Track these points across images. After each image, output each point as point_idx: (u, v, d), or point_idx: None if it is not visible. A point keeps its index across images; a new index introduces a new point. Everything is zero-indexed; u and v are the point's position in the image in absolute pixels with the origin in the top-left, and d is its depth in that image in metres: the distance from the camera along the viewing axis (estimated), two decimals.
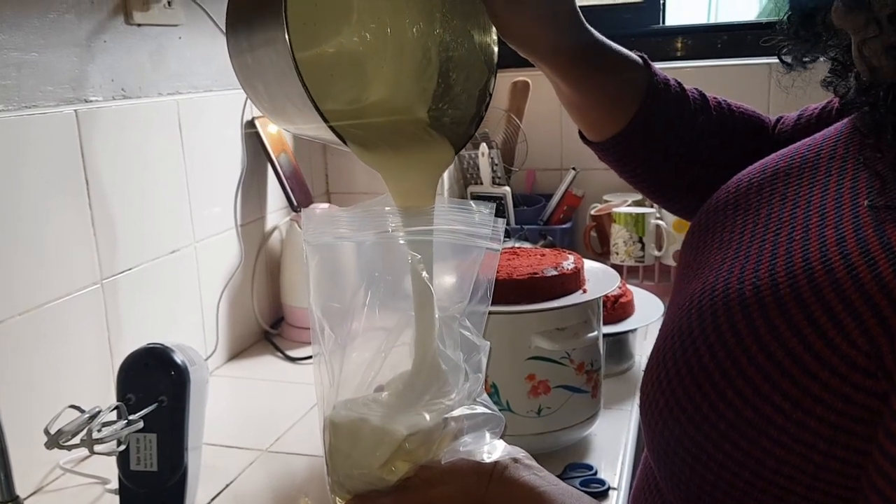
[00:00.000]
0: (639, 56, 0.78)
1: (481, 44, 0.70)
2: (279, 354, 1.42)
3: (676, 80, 0.80)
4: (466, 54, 0.70)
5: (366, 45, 0.68)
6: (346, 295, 0.64)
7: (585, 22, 0.74)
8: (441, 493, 0.59)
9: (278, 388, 1.30)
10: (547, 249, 1.14)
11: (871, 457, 0.44)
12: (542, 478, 0.60)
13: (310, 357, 1.38)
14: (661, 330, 0.62)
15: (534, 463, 0.62)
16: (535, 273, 1.02)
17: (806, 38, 0.61)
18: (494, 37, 0.70)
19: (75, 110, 1.03)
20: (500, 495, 0.58)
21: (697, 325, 0.54)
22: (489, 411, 0.64)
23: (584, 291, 1.03)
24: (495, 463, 0.60)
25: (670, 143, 0.79)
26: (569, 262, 1.06)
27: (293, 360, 1.39)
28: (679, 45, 1.84)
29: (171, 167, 1.23)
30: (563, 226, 1.81)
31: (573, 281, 1.04)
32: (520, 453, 0.62)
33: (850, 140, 0.58)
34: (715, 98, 0.82)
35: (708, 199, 0.72)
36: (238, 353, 1.43)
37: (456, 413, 0.62)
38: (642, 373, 0.60)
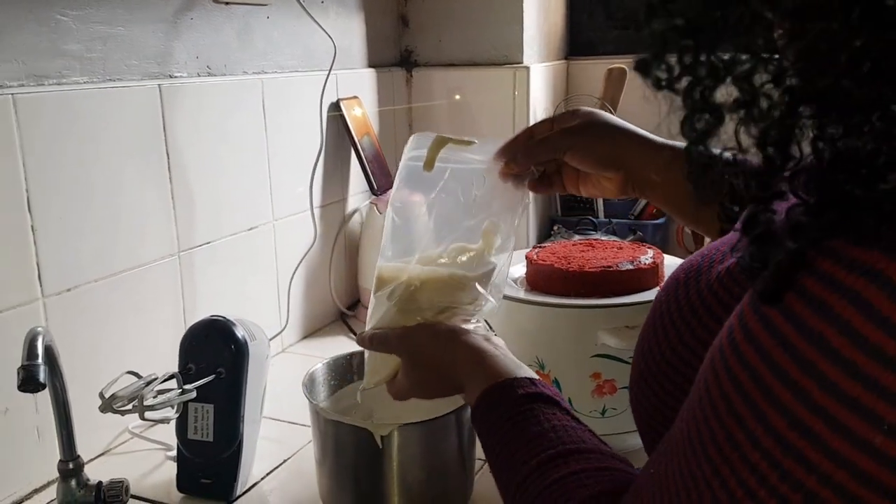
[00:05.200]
0: None
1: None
2: (352, 336, 1.42)
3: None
4: None
5: None
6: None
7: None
8: (410, 342, 0.74)
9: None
10: (626, 242, 1.09)
11: None
12: (490, 342, 0.72)
13: None
14: None
15: (499, 341, 0.73)
16: (609, 266, 0.97)
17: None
18: None
19: (159, 85, 1.05)
20: (449, 351, 0.72)
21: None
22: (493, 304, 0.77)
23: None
24: (455, 327, 0.73)
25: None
26: (647, 256, 1.01)
27: None
28: None
29: (252, 145, 1.24)
30: (656, 221, 1.74)
31: (650, 277, 0.99)
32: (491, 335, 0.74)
33: None
34: None
35: None
36: (313, 331, 1.44)
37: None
38: None
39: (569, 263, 1.00)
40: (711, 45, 0.39)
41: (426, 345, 0.74)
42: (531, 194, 0.81)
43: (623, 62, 1.74)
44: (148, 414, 0.77)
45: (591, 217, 1.70)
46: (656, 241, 1.71)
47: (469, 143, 0.77)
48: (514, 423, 0.60)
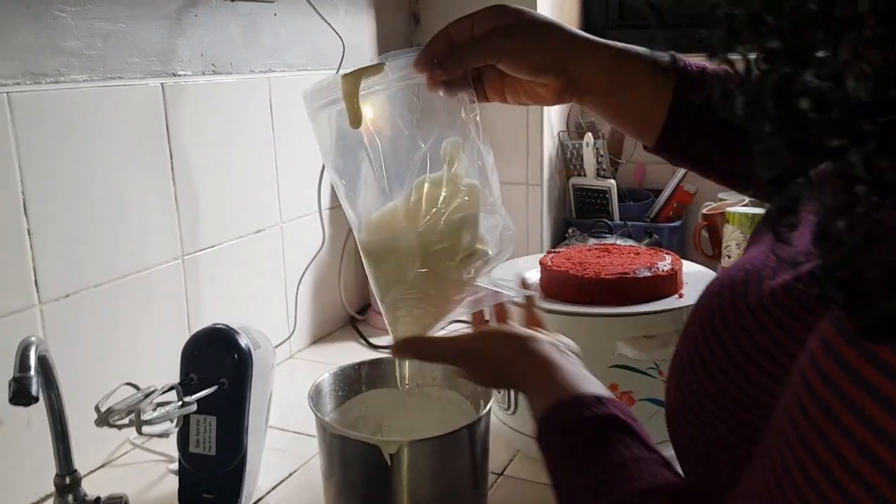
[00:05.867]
0: (668, 55, 0.73)
1: None
2: (362, 341, 1.38)
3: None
4: None
5: None
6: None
7: (590, 39, 0.71)
8: (482, 345, 0.71)
9: None
10: (643, 248, 1.05)
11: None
12: (562, 353, 0.67)
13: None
14: None
15: (568, 348, 0.70)
16: (626, 273, 0.93)
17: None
18: None
19: (162, 84, 1.02)
20: (523, 363, 0.67)
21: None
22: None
23: (681, 296, 0.94)
24: (528, 335, 0.70)
25: (716, 135, 0.72)
26: (665, 262, 0.97)
27: (375, 347, 1.35)
28: None
29: (259, 146, 1.21)
30: (672, 224, 1.69)
31: (669, 284, 0.95)
32: (561, 340, 0.71)
33: None
34: None
35: None
36: (322, 336, 1.41)
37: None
38: None
39: (584, 270, 0.96)
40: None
41: (492, 352, 0.70)
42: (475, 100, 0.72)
43: None
44: (146, 429, 0.74)
45: (605, 220, 1.66)
46: (673, 245, 1.67)
47: (380, 67, 0.67)
48: (579, 452, 0.56)
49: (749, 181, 0.80)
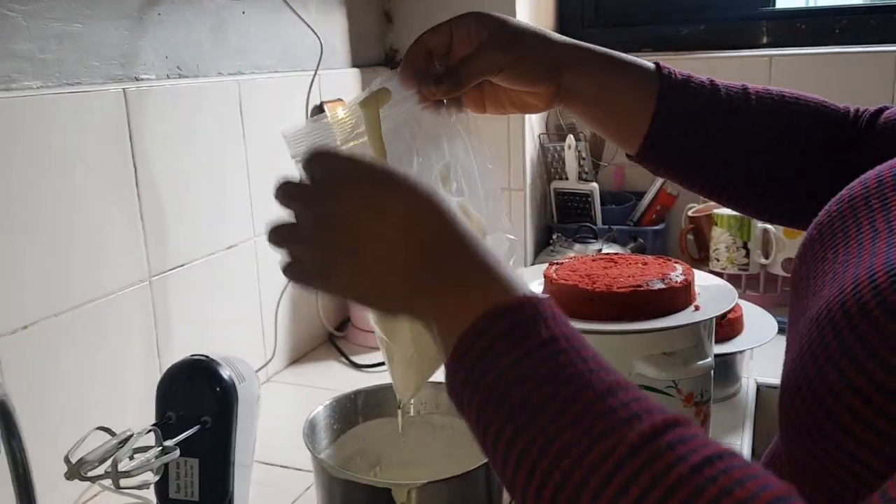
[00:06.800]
0: (652, 63, 0.73)
1: None
2: (343, 360, 1.30)
3: (708, 79, 0.73)
4: None
5: None
6: None
7: (580, 45, 0.71)
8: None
9: None
10: (650, 257, 0.99)
11: None
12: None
13: (377, 364, 1.26)
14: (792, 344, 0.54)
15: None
16: (639, 286, 0.87)
17: None
18: None
19: (124, 89, 0.93)
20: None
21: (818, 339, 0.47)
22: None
23: (697, 309, 0.87)
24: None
25: (699, 145, 0.73)
26: (677, 273, 0.91)
27: (359, 367, 1.27)
28: (791, 29, 1.64)
29: (230, 154, 1.12)
30: (655, 227, 1.64)
31: (683, 296, 0.88)
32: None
33: None
34: (764, 89, 0.74)
35: (788, 197, 0.74)
36: (300, 356, 1.32)
37: None
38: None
39: (594, 283, 0.89)
40: None
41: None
42: (468, 112, 0.71)
43: None
44: (124, 481, 0.65)
45: (589, 224, 1.60)
46: (657, 248, 1.62)
47: (386, 92, 0.64)
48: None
49: (732, 194, 0.78)
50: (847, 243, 0.55)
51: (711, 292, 0.91)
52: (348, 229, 0.49)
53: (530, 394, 0.41)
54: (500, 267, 0.47)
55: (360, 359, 1.29)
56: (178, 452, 0.70)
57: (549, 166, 1.67)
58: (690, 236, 1.60)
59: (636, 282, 0.88)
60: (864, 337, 0.44)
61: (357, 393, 0.83)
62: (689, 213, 1.59)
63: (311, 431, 0.78)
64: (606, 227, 1.61)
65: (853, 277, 0.49)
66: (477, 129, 0.70)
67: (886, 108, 0.74)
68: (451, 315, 0.45)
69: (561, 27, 1.75)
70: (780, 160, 0.74)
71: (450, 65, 0.67)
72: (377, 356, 1.29)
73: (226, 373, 0.78)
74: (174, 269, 1.02)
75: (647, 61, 0.73)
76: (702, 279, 0.95)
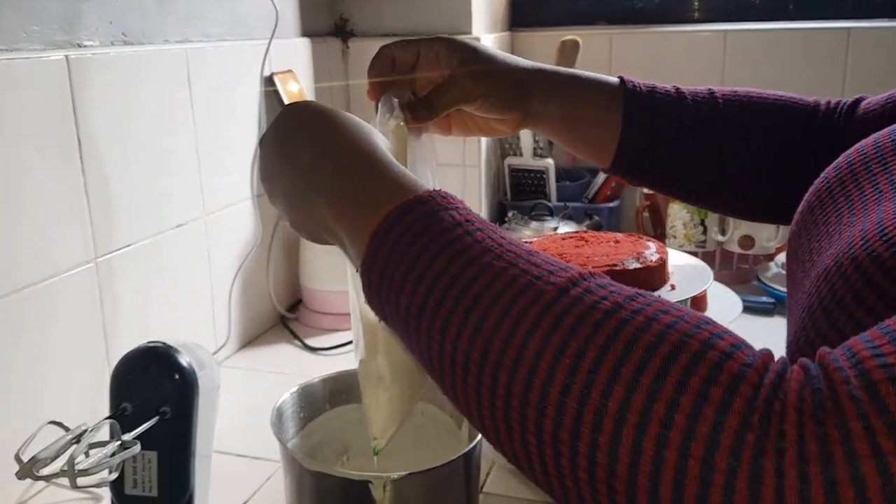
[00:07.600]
0: (616, 78, 0.75)
1: None
2: (297, 342, 1.25)
3: (674, 87, 0.75)
4: None
5: None
6: None
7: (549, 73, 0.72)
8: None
9: (297, 382, 1.13)
10: (620, 235, 0.97)
11: None
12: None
13: (331, 347, 1.22)
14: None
15: None
16: (615, 265, 0.85)
17: None
18: None
19: (66, 56, 0.86)
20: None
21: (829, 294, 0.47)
22: None
23: (673, 288, 0.86)
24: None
25: (671, 153, 0.74)
26: (651, 251, 0.89)
27: (313, 349, 1.23)
28: (746, 5, 1.65)
29: (178, 127, 1.05)
30: (610, 204, 1.63)
31: (658, 275, 0.87)
32: None
33: None
34: (731, 91, 0.75)
35: (769, 196, 0.74)
36: (251, 339, 1.27)
37: None
38: None
39: (567, 263, 0.87)
40: None
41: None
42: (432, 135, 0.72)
43: (574, 34, 1.62)
44: (81, 480, 0.60)
45: (544, 201, 1.58)
46: (612, 225, 1.61)
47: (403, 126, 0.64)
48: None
49: (709, 199, 0.77)
50: (851, 205, 0.54)
51: (686, 271, 0.90)
52: (284, 158, 0.54)
53: (447, 266, 0.42)
54: (416, 184, 0.48)
55: (313, 341, 1.25)
56: (139, 447, 0.66)
57: (503, 142, 1.64)
58: (646, 213, 1.59)
59: (611, 261, 0.86)
60: (879, 287, 0.44)
61: (325, 379, 0.79)
62: (646, 190, 1.58)
63: (278, 420, 0.74)
64: (562, 203, 1.59)
65: (861, 232, 0.49)
66: (434, 151, 0.70)
67: (863, 98, 0.74)
68: (365, 224, 0.46)
69: (516, 1, 1.72)
70: (757, 161, 0.74)
71: (415, 91, 0.69)
72: (331, 339, 1.25)
73: (185, 360, 0.73)
74: (121, 249, 0.96)
75: (610, 77, 0.75)
76: (673, 258, 0.94)
